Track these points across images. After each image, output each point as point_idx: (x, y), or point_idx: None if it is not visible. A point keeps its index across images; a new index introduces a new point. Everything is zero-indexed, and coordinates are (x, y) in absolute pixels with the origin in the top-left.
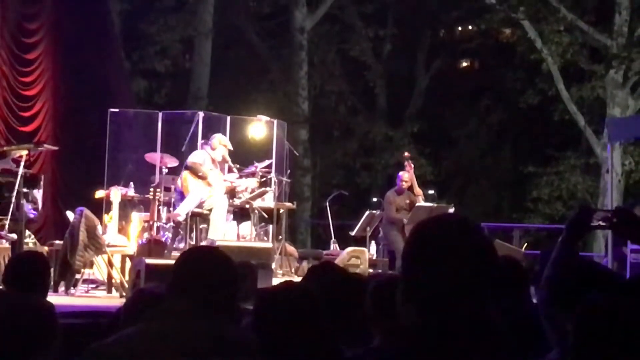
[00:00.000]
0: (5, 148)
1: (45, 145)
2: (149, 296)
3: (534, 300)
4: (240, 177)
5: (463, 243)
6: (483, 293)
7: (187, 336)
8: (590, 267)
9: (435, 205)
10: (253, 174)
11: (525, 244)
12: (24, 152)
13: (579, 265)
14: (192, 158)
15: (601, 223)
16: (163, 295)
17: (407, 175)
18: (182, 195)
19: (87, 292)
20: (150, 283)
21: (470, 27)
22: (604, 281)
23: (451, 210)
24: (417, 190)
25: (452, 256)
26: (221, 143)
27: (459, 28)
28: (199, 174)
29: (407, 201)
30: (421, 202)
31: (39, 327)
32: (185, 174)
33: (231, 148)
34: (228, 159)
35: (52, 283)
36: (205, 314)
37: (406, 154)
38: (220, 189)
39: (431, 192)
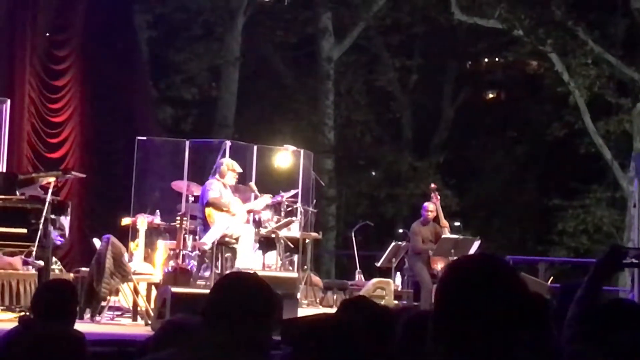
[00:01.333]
0: (33, 175)
1: (74, 173)
2: (179, 327)
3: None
4: (265, 207)
5: (496, 284)
6: (514, 335)
7: None
8: (620, 304)
9: (461, 237)
10: (279, 204)
11: (551, 278)
12: (52, 179)
13: (607, 302)
14: (210, 194)
15: (634, 260)
16: (192, 326)
17: (432, 206)
18: (205, 226)
19: (112, 319)
20: (177, 312)
21: (497, 59)
22: (633, 319)
23: (477, 243)
24: (444, 222)
25: (486, 297)
26: (229, 169)
27: (486, 60)
28: (221, 207)
29: (433, 232)
30: (447, 234)
31: (69, 356)
32: (208, 210)
33: (240, 171)
34: (254, 188)
35: (77, 310)
36: (240, 345)
37: (432, 185)
38: (242, 217)
39: (457, 224)
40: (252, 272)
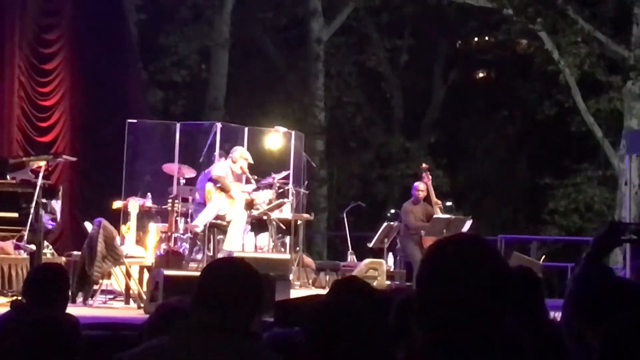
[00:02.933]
0: (24, 159)
1: (65, 156)
2: (173, 310)
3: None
4: (258, 188)
5: (477, 264)
6: (498, 315)
7: (213, 350)
8: (620, 282)
9: (453, 217)
10: (270, 185)
11: (543, 256)
12: (43, 163)
13: (607, 280)
14: (216, 171)
15: (632, 236)
16: (187, 310)
17: (422, 186)
18: (199, 206)
19: (104, 302)
20: (169, 294)
21: (487, 38)
22: (632, 297)
23: (469, 222)
24: (435, 201)
25: (467, 278)
26: (242, 157)
27: (476, 39)
28: (224, 187)
29: (424, 212)
30: (439, 214)
31: (64, 341)
32: (209, 186)
33: (252, 161)
34: (246, 170)
35: (70, 294)
36: (231, 328)
37: (424, 165)
38: (240, 202)
39: (449, 203)
40: (238, 256)
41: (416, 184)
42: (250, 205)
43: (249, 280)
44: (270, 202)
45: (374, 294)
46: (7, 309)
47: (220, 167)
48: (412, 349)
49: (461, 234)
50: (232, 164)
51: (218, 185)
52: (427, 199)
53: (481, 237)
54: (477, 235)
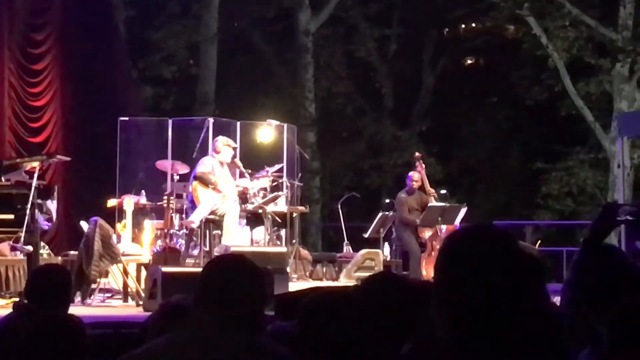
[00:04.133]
0: (18, 160)
1: (58, 156)
2: (176, 308)
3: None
4: (252, 181)
5: (494, 252)
6: (517, 302)
7: (216, 347)
8: (622, 266)
9: (448, 205)
10: (271, 182)
11: (539, 241)
12: (37, 164)
13: (608, 263)
14: (200, 168)
15: (629, 217)
16: (190, 307)
17: (417, 175)
18: (193, 203)
19: (103, 301)
20: (168, 291)
21: (474, 25)
22: (635, 283)
23: (463, 210)
24: (429, 189)
25: (485, 267)
26: (225, 144)
27: (463, 26)
28: (209, 182)
29: (419, 201)
30: (433, 202)
31: (69, 342)
32: (194, 184)
33: (235, 146)
34: (239, 164)
35: None
36: (234, 325)
37: (417, 154)
38: (231, 194)
39: (443, 191)
40: (236, 250)
41: (410, 173)
42: (244, 198)
43: (251, 275)
44: (266, 191)
45: (410, 290)
46: (6, 310)
47: (204, 163)
48: (422, 337)
49: (477, 223)
50: (217, 155)
51: (207, 182)
52: (422, 187)
53: (497, 225)
54: (492, 224)
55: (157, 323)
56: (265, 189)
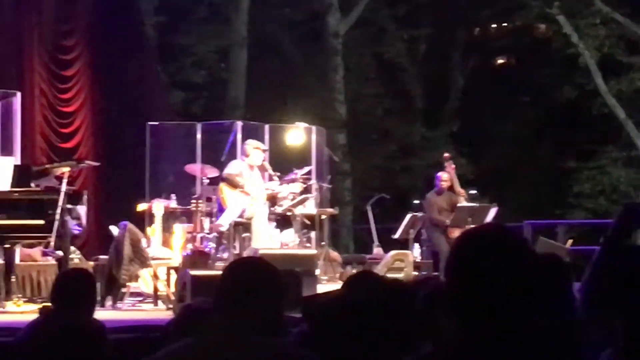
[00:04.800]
0: (47, 166)
1: (87, 162)
2: (197, 312)
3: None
4: (281, 184)
5: (506, 253)
6: (529, 303)
7: (236, 351)
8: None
9: (478, 205)
10: (293, 182)
11: (570, 240)
12: (66, 169)
13: (628, 264)
14: (228, 170)
15: None
16: (210, 310)
17: (445, 175)
18: (221, 206)
19: (133, 305)
20: (197, 294)
21: (504, 24)
22: None
23: (494, 210)
24: (459, 190)
25: (496, 267)
26: (254, 147)
27: (494, 25)
28: (235, 184)
29: (449, 202)
30: (463, 203)
31: (90, 346)
32: (221, 185)
33: (265, 149)
34: (268, 167)
35: (99, 298)
36: (252, 328)
37: (446, 154)
38: (260, 197)
39: (473, 191)
40: (265, 253)
41: (439, 174)
42: (273, 201)
43: (269, 278)
44: (294, 197)
45: (389, 287)
46: (37, 315)
47: (233, 166)
48: (441, 339)
49: (487, 224)
50: (247, 158)
51: (233, 183)
52: (451, 188)
53: (507, 227)
54: (502, 224)
55: (178, 327)
56: (295, 192)
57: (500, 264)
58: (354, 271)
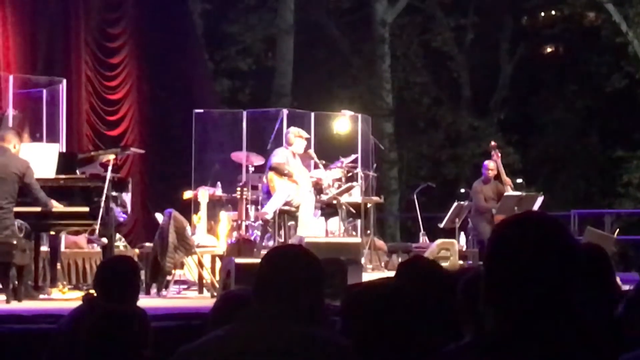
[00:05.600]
0: (92, 153)
1: (132, 149)
2: (236, 299)
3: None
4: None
5: (544, 243)
6: (568, 294)
7: (275, 339)
8: None
9: (524, 194)
10: (343, 172)
11: (617, 230)
12: (112, 157)
13: None
14: (275, 159)
15: None
16: (250, 298)
17: (492, 164)
18: (268, 194)
19: (178, 293)
20: (241, 282)
21: (553, 13)
22: None
23: (540, 199)
24: (505, 179)
25: (534, 256)
26: (296, 135)
27: (542, 14)
28: (284, 172)
29: (495, 190)
30: (509, 192)
31: (132, 333)
32: (270, 174)
33: (307, 136)
34: (314, 155)
35: (143, 285)
36: (292, 316)
37: (493, 143)
38: (306, 185)
39: (519, 180)
40: (310, 241)
41: (486, 162)
42: (319, 189)
43: (308, 266)
44: (339, 185)
45: (443, 275)
46: (80, 303)
47: (279, 154)
48: (481, 328)
49: (527, 212)
50: (290, 146)
51: (284, 172)
52: (498, 177)
53: (548, 215)
54: (543, 213)
55: (218, 314)
56: (339, 180)
57: (539, 253)
58: (400, 260)
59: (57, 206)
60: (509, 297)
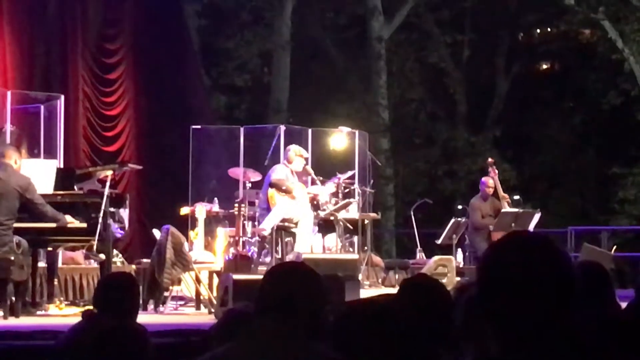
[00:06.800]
0: (90, 169)
1: (130, 165)
2: (239, 316)
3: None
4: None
5: (534, 261)
6: (564, 313)
7: (277, 355)
8: None
9: (521, 210)
10: (337, 186)
11: (614, 247)
12: (109, 173)
13: None
14: (274, 175)
15: None
16: (252, 315)
17: (491, 181)
18: (267, 210)
19: (176, 309)
20: (239, 299)
21: (549, 29)
22: None
23: (537, 215)
24: (502, 194)
25: (525, 275)
26: (297, 154)
27: (538, 30)
28: (283, 188)
29: (493, 207)
30: (507, 208)
31: (132, 350)
32: (271, 191)
33: (307, 156)
34: (311, 171)
35: (141, 302)
36: (294, 333)
37: (490, 159)
38: (304, 202)
39: (516, 197)
40: (308, 257)
41: (484, 179)
42: (315, 205)
43: (309, 282)
44: (336, 201)
45: (445, 292)
46: (79, 318)
47: (278, 171)
48: (481, 347)
49: (516, 232)
50: (289, 164)
51: (283, 188)
52: (495, 193)
53: (538, 234)
54: (534, 232)
55: (220, 331)
56: (337, 196)
57: (531, 274)
58: (397, 276)
59: (71, 220)
60: (505, 319)
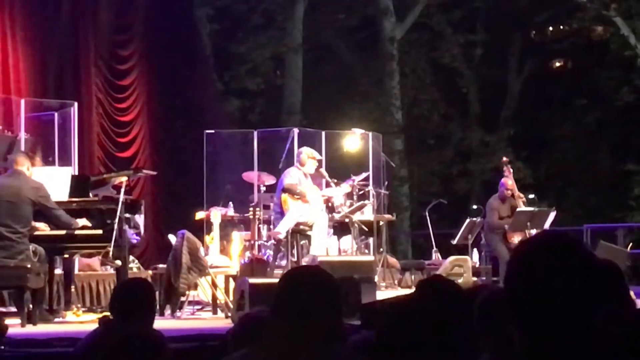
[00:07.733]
0: (105, 175)
1: (145, 171)
2: (255, 320)
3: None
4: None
5: (564, 261)
6: (589, 310)
7: (295, 359)
8: None
9: (537, 209)
10: (351, 188)
11: (630, 243)
12: (124, 179)
13: None
14: (287, 180)
15: None
16: (268, 319)
17: (510, 182)
18: (281, 214)
19: (192, 314)
20: (255, 302)
21: (561, 27)
22: None
23: (553, 214)
24: (517, 193)
25: (556, 277)
26: (309, 157)
27: (550, 28)
28: (296, 193)
29: (510, 208)
30: (522, 207)
31: (150, 356)
32: (284, 196)
33: (320, 158)
34: (325, 174)
35: (157, 307)
36: (311, 336)
37: (504, 159)
38: (318, 204)
39: (532, 196)
40: (324, 260)
41: (503, 180)
42: (330, 208)
43: (327, 286)
44: (351, 203)
45: (461, 293)
46: (96, 325)
47: (291, 175)
48: (498, 346)
49: (545, 231)
50: (302, 167)
51: (296, 192)
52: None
53: (565, 233)
54: (562, 232)
55: (237, 336)
56: (351, 198)
57: (559, 271)
58: (413, 277)
59: (85, 224)
60: (532, 316)
